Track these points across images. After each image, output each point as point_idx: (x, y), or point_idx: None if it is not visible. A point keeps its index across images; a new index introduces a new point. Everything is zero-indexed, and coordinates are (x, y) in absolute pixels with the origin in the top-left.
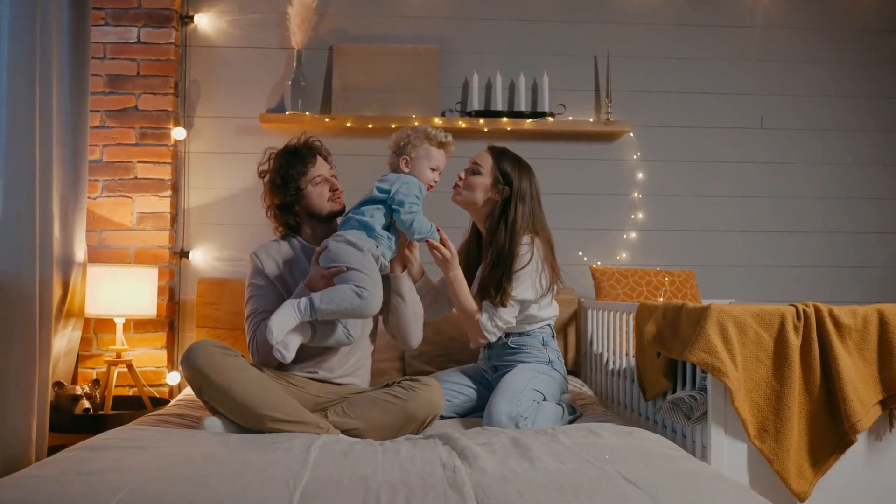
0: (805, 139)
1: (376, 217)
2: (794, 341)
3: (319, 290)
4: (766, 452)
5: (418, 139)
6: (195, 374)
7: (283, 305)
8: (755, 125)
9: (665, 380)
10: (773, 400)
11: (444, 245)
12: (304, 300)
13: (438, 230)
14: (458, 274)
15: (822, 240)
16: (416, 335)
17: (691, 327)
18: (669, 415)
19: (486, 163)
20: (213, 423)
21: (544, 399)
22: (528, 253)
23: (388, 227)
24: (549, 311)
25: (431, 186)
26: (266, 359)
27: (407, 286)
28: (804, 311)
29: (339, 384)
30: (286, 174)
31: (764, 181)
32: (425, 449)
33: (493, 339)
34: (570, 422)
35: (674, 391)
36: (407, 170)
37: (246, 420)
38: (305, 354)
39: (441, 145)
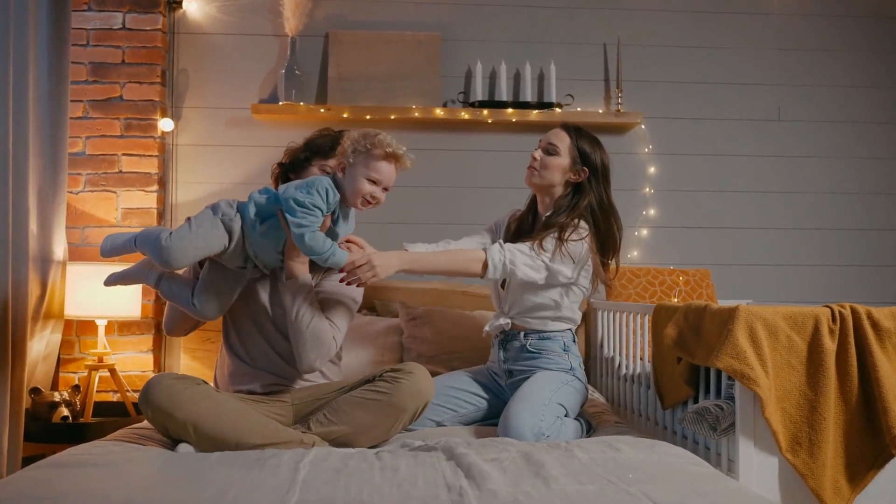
0: (825, 132)
1: (260, 199)
2: (830, 346)
3: None
4: (800, 467)
5: (364, 143)
6: (156, 413)
7: (127, 232)
8: (772, 117)
9: (687, 387)
10: (807, 410)
11: (354, 248)
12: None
13: (340, 244)
14: (405, 256)
15: (843, 237)
16: (302, 357)
17: (717, 330)
18: (693, 425)
19: (563, 142)
20: (188, 448)
21: (566, 415)
22: (585, 231)
23: (266, 216)
24: (576, 312)
25: (369, 202)
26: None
27: (288, 298)
28: (840, 312)
29: (308, 383)
30: (312, 144)
31: (782, 176)
32: (427, 466)
33: (494, 272)
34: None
35: (696, 399)
36: (340, 175)
37: (222, 451)
38: (260, 366)
39: (388, 157)
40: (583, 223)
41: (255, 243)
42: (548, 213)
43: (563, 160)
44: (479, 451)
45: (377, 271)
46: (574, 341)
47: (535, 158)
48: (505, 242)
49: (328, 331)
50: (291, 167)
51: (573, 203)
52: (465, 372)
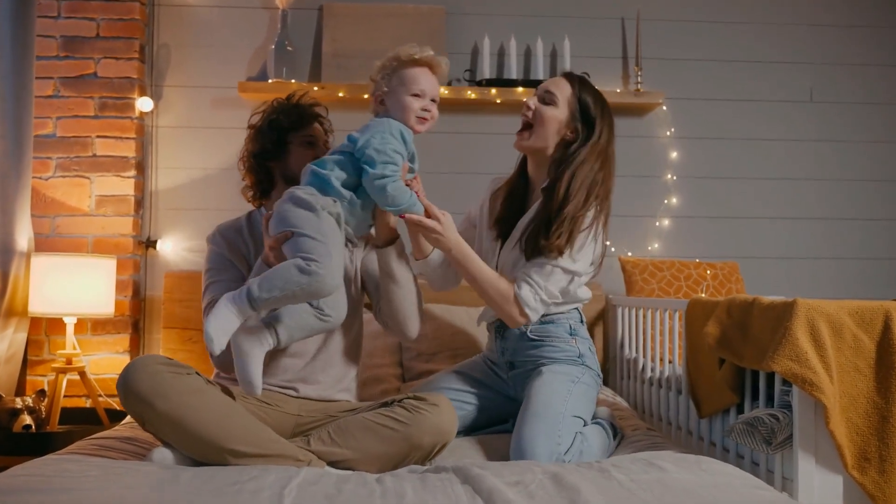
0: (861, 114)
1: (336, 171)
2: None
3: (272, 264)
4: (868, 486)
5: (390, 63)
6: (135, 401)
7: (218, 304)
8: (804, 98)
9: (731, 393)
10: (877, 420)
11: (429, 216)
12: (238, 292)
13: (421, 199)
14: (462, 247)
15: (884, 228)
16: (413, 324)
17: (769, 328)
18: (743, 438)
19: (563, 91)
20: (164, 455)
21: (585, 424)
22: (593, 216)
23: (355, 186)
24: (584, 291)
25: (424, 119)
26: (225, 360)
27: (395, 262)
28: None
29: (324, 400)
30: (276, 122)
31: (815, 162)
32: (438, 491)
33: (535, 317)
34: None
35: (740, 408)
36: (384, 109)
37: (205, 456)
38: (276, 365)
39: (418, 63)
40: (589, 211)
41: (357, 219)
42: (544, 186)
43: (560, 112)
44: (498, 471)
45: (439, 237)
46: (582, 322)
47: (528, 107)
48: (495, 223)
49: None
50: (270, 154)
51: (573, 170)
52: (456, 369)
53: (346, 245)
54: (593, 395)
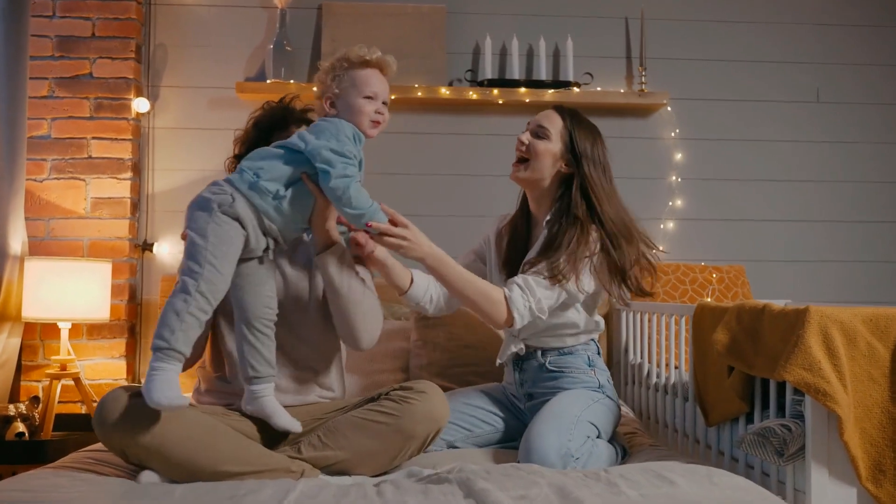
0: (868, 114)
1: (272, 165)
2: None
3: None
4: (884, 499)
5: (340, 64)
6: (114, 435)
7: (147, 378)
8: (811, 98)
9: (741, 402)
10: (892, 431)
11: (394, 223)
12: (153, 357)
13: (382, 207)
14: (436, 252)
15: (891, 230)
16: (362, 336)
17: (781, 336)
18: (754, 449)
19: (555, 125)
20: (152, 479)
21: (598, 436)
22: (596, 242)
23: (291, 182)
24: (595, 321)
25: (377, 123)
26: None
27: (334, 269)
28: None
29: (308, 404)
30: (260, 123)
31: (821, 163)
32: None
33: (521, 322)
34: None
35: (749, 416)
36: (334, 112)
37: (196, 480)
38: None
39: (370, 64)
40: (593, 233)
41: (284, 217)
42: (547, 219)
43: (553, 145)
44: (502, 483)
45: (410, 245)
46: (599, 353)
47: (522, 142)
48: (503, 266)
49: (376, 299)
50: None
51: (570, 205)
52: (480, 389)
53: (267, 244)
54: (612, 419)
